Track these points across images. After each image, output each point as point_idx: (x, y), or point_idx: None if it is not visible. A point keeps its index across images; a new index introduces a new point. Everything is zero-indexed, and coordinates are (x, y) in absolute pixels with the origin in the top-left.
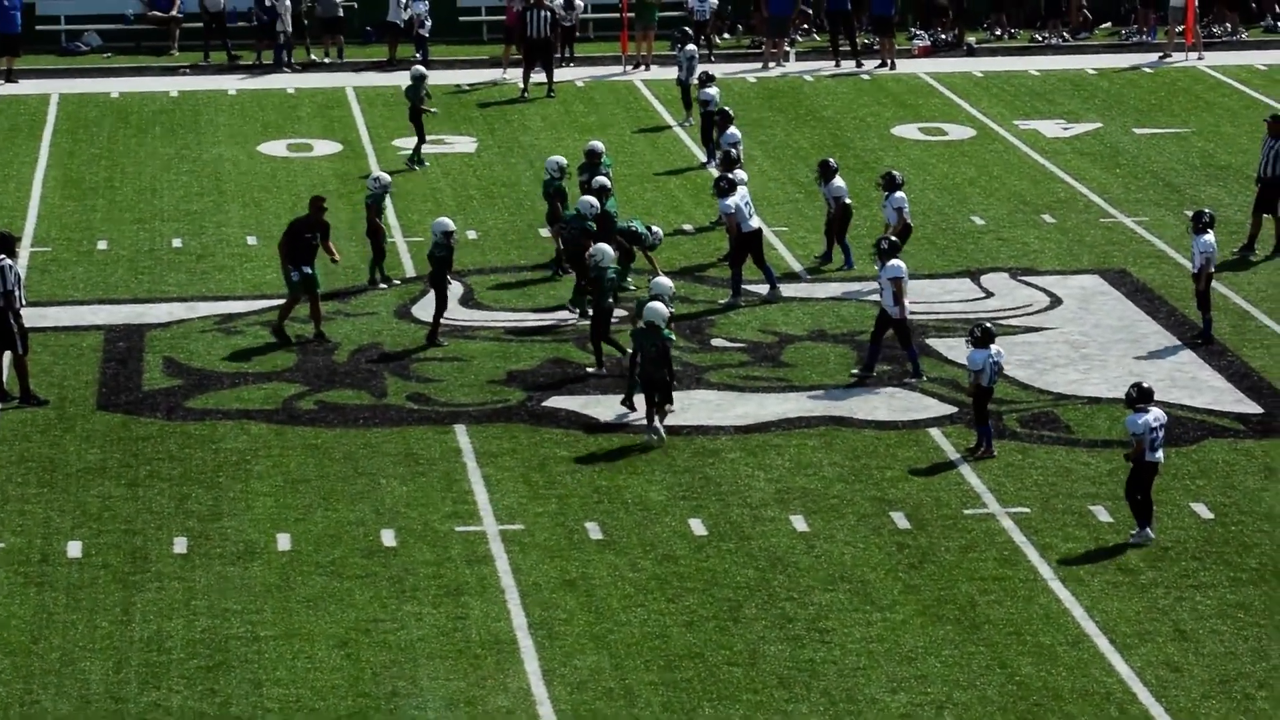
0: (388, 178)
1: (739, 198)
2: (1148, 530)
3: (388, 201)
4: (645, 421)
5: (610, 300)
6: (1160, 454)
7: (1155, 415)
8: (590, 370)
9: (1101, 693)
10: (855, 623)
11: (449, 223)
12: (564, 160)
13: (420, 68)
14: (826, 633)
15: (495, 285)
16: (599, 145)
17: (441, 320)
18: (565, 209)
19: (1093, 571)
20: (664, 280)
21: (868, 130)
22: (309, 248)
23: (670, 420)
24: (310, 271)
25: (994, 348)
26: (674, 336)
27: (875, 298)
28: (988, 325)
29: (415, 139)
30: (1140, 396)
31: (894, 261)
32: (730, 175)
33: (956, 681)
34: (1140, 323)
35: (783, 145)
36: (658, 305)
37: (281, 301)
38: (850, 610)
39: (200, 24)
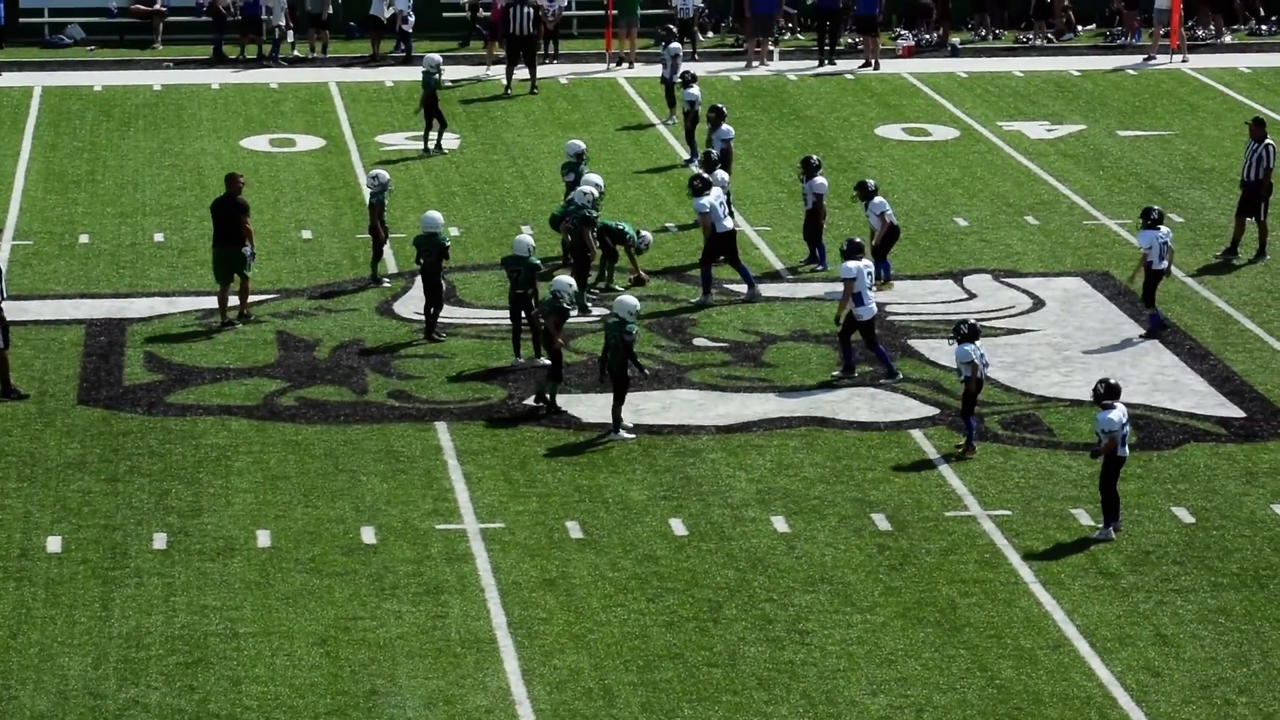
0: (386, 175)
1: (713, 197)
2: (1111, 530)
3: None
4: (612, 421)
5: (523, 290)
6: (1127, 450)
7: (1122, 411)
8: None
9: (1082, 697)
10: (835, 624)
11: (438, 217)
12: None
13: (435, 56)
14: (806, 634)
15: (477, 282)
16: (580, 144)
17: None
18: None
19: (1074, 575)
20: (564, 278)
21: (851, 130)
22: None
23: (651, 419)
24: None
25: (979, 344)
26: (636, 330)
27: None
28: (972, 322)
29: (437, 126)
30: (1108, 393)
31: (847, 263)
32: (705, 175)
33: (936, 684)
34: (1123, 325)
35: (765, 144)
36: (627, 298)
37: (218, 294)
38: (830, 612)
39: (201, 17)
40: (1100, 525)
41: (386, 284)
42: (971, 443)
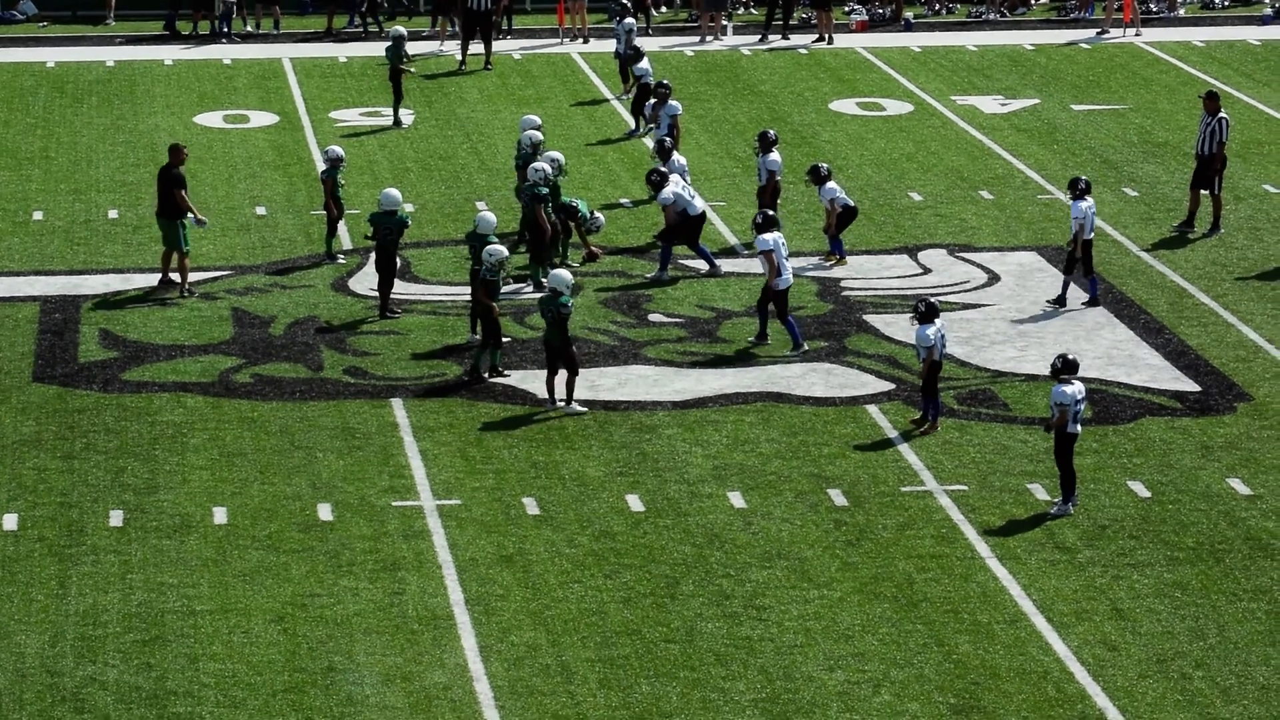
0: (338, 150)
1: (675, 185)
2: (1069, 505)
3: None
4: (547, 395)
5: (478, 266)
6: (1079, 427)
7: (1078, 388)
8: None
9: (1039, 671)
10: (792, 600)
11: (397, 195)
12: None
13: (400, 28)
14: (763, 610)
15: (432, 259)
16: (535, 119)
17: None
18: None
19: (1030, 549)
20: (497, 247)
21: (805, 105)
22: None
23: (608, 395)
24: None
25: (938, 322)
26: (570, 304)
27: (813, 273)
28: (931, 300)
29: (393, 100)
30: (1065, 368)
31: (763, 236)
32: (661, 169)
33: (893, 659)
34: (1078, 299)
35: (720, 119)
36: (560, 272)
37: (164, 264)
38: (787, 587)
39: None
40: (1058, 501)
41: (341, 260)
42: (933, 419)
